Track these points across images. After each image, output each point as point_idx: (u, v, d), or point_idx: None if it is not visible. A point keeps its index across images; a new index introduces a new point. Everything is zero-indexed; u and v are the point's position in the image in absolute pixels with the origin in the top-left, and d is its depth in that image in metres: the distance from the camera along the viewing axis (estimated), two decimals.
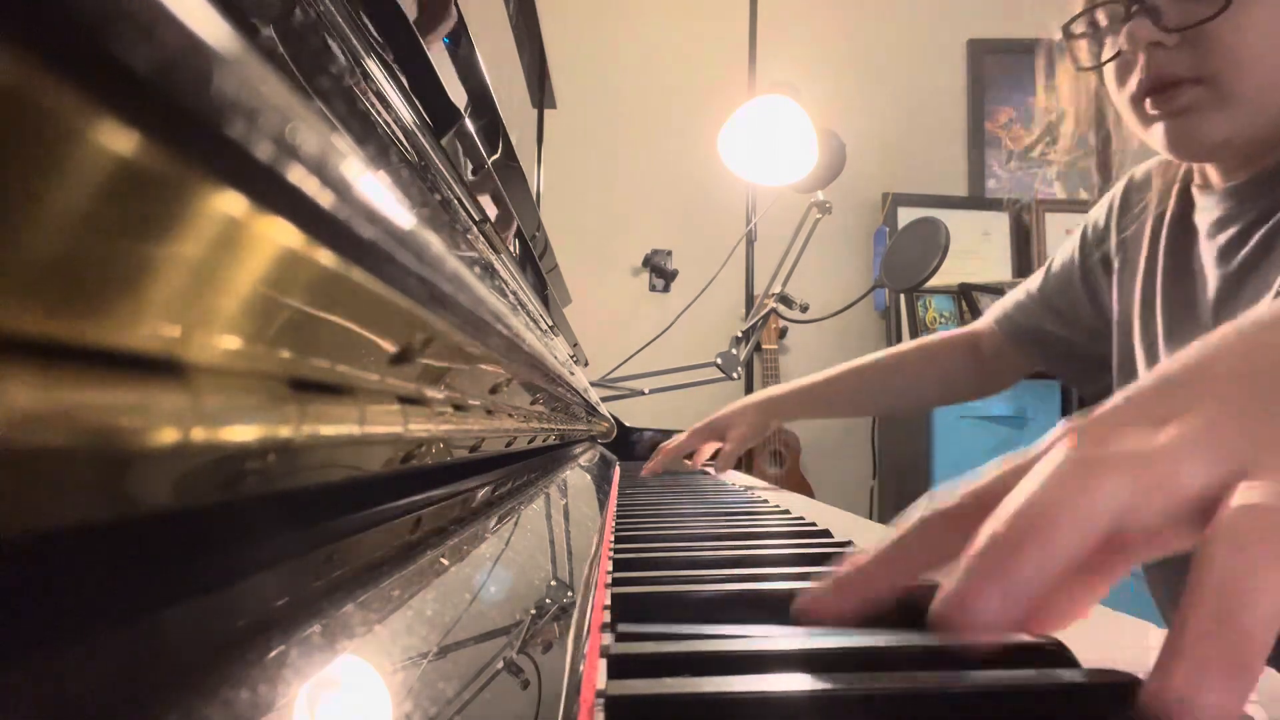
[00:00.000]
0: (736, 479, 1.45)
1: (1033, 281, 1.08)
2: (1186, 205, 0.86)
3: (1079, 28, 0.80)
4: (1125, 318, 0.92)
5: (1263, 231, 0.75)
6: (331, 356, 0.19)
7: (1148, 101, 0.74)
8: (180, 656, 0.14)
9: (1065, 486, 0.27)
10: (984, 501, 0.29)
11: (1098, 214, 0.99)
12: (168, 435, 0.13)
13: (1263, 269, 0.75)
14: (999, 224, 2.86)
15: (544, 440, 0.78)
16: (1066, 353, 1.05)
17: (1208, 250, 0.81)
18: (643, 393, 2.02)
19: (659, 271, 2.85)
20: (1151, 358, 0.86)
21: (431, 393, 0.29)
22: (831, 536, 0.61)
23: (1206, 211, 0.82)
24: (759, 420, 1.31)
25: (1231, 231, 0.78)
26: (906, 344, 1.26)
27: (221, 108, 0.10)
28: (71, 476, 0.11)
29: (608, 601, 0.36)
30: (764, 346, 2.63)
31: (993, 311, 1.14)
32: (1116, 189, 0.97)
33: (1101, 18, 0.78)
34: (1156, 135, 0.75)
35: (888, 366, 1.25)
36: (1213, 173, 0.82)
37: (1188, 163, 0.85)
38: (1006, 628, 0.26)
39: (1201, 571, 0.24)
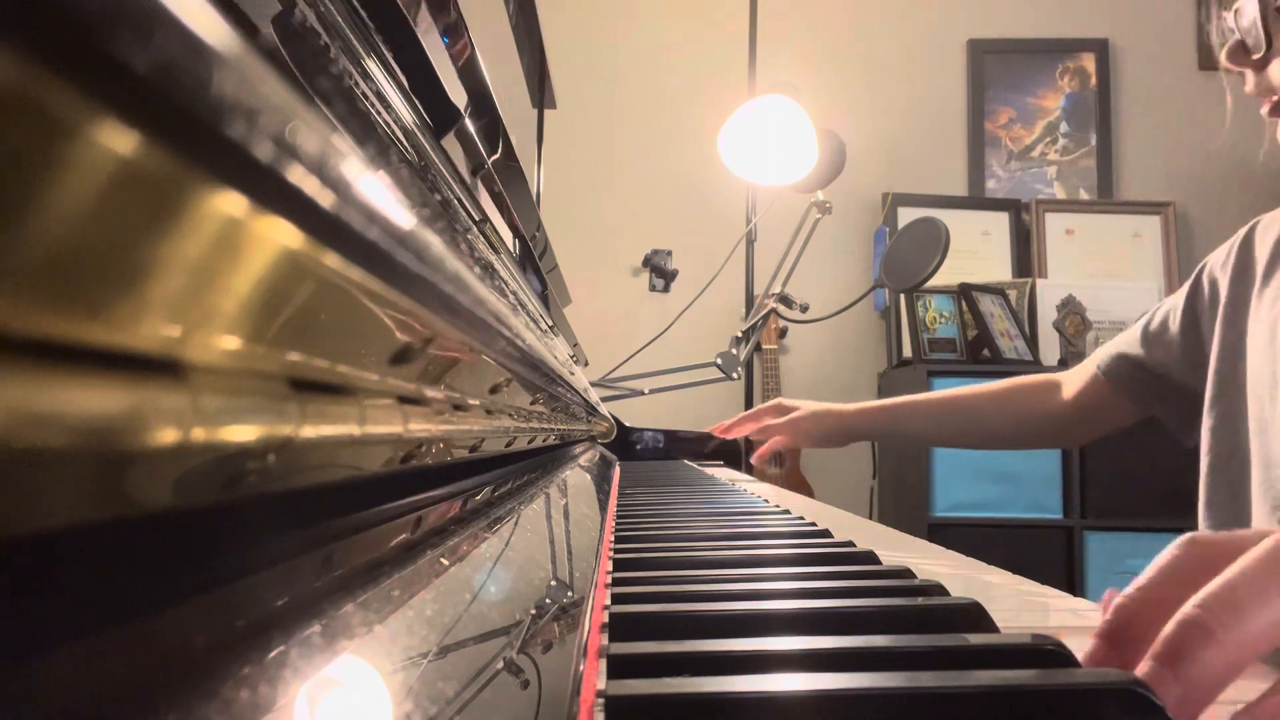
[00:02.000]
0: (737, 478, 1.45)
1: (1135, 329, 1.10)
2: None
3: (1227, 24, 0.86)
4: (1232, 340, 0.93)
5: None
6: (331, 356, 0.19)
7: (1263, 104, 0.82)
8: (180, 656, 0.14)
9: (1275, 564, 0.27)
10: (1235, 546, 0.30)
11: (1217, 255, 1.01)
12: (168, 435, 0.13)
13: None
14: (999, 224, 2.86)
15: (544, 440, 0.78)
16: (1170, 386, 1.05)
17: None
18: (643, 393, 2.02)
19: (659, 271, 2.85)
20: (1261, 374, 0.87)
21: (431, 393, 0.29)
22: (831, 536, 0.61)
23: None
24: (816, 426, 1.33)
25: None
26: (986, 384, 1.27)
27: (221, 108, 0.10)
28: (71, 476, 0.11)
29: (608, 601, 0.36)
30: (764, 346, 2.63)
31: (1093, 361, 1.14)
32: (1240, 233, 0.99)
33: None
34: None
35: (967, 400, 1.26)
36: None
37: None
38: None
39: None
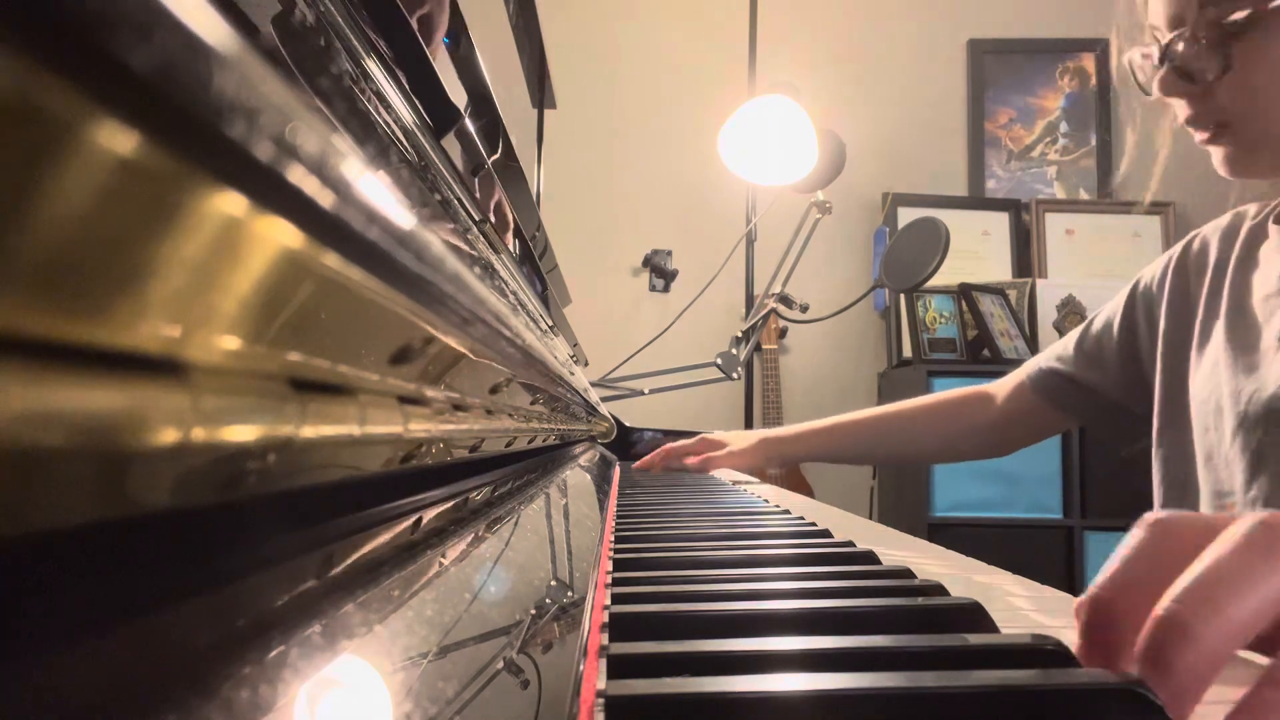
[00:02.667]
0: (737, 478, 1.45)
1: (1069, 339, 1.09)
2: (1254, 243, 0.88)
3: (1137, 59, 0.84)
4: (1176, 370, 0.92)
5: None
6: (331, 356, 0.19)
7: (1192, 131, 0.81)
8: (180, 656, 0.14)
9: (1252, 550, 0.27)
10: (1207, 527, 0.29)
11: (1152, 271, 0.99)
12: (168, 435, 0.13)
13: None
14: (999, 224, 2.86)
15: (544, 440, 0.78)
16: (1101, 403, 1.05)
17: (1271, 279, 0.83)
18: (643, 393, 2.02)
19: (659, 271, 2.85)
20: (1206, 403, 0.87)
21: (431, 393, 0.29)
22: (831, 536, 0.61)
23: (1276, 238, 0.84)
24: (759, 456, 1.35)
25: None
26: (919, 399, 1.26)
27: (221, 108, 0.10)
28: (71, 476, 0.11)
29: (608, 601, 0.36)
30: (764, 346, 2.63)
31: (1024, 370, 1.14)
32: (1175, 250, 0.97)
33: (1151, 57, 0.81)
34: (1211, 155, 0.81)
35: (897, 419, 1.26)
36: None
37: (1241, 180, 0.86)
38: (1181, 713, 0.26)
39: None
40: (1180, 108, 0.80)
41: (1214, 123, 0.78)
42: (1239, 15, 0.72)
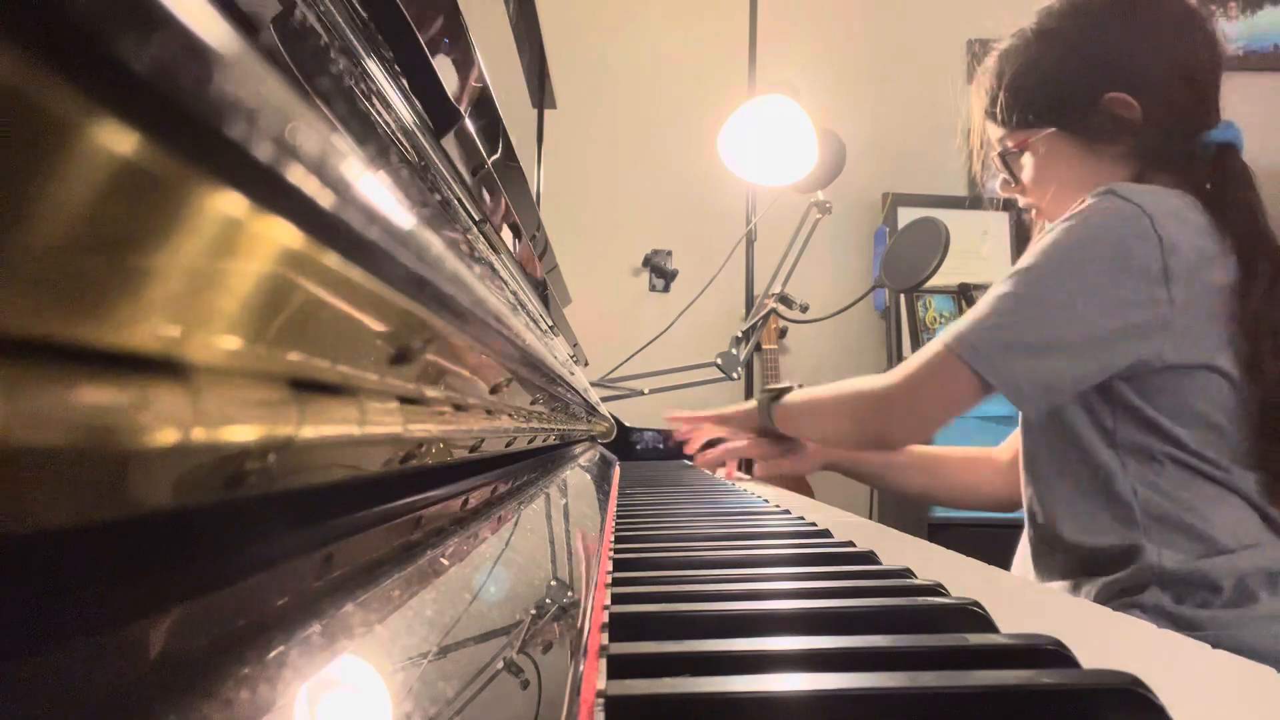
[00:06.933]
0: (737, 478, 1.45)
1: None
2: None
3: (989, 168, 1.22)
4: None
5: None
6: (331, 356, 0.19)
7: (1033, 212, 1.17)
8: (180, 656, 0.14)
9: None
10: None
11: None
12: (168, 435, 0.13)
13: None
14: (999, 224, 2.86)
15: (544, 440, 0.78)
16: None
17: None
18: (643, 393, 2.02)
19: (659, 271, 2.85)
20: None
21: (431, 393, 0.29)
22: (831, 537, 0.61)
23: None
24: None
25: None
26: (946, 449, 1.39)
27: (221, 108, 0.10)
28: (71, 476, 0.11)
29: (607, 601, 0.36)
30: (764, 346, 2.63)
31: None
32: None
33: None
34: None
35: (932, 457, 1.37)
36: None
37: None
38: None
39: None
40: (1018, 198, 1.16)
41: (1034, 208, 1.14)
42: (1009, 145, 1.12)
